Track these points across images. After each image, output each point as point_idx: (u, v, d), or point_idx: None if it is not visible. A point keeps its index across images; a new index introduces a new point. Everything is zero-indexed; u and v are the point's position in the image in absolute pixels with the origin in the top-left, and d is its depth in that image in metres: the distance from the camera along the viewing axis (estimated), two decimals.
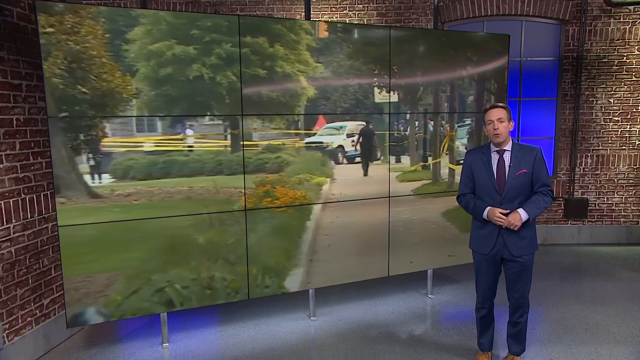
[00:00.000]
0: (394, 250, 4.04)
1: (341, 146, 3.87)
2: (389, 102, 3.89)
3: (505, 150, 2.75)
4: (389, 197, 3.97)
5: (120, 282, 3.11)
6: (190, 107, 3.23)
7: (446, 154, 4.23)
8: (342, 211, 3.85)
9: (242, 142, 3.42)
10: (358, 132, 3.88)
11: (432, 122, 4.15)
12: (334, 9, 5.56)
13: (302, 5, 5.46)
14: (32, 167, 3.15)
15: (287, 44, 3.45)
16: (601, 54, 5.69)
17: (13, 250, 2.99)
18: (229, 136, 3.42)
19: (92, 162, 3.01)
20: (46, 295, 3.30)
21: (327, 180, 3.80)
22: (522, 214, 2.66)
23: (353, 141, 3.89)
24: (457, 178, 4.21)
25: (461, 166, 4.15)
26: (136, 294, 3.16)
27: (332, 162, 3.81)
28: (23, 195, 3.07)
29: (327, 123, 3.76)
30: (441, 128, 4.20)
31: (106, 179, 3.08)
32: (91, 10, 2.87)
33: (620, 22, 5.64)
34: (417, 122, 4.09)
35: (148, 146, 3.18)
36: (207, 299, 3.36)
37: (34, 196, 3.17)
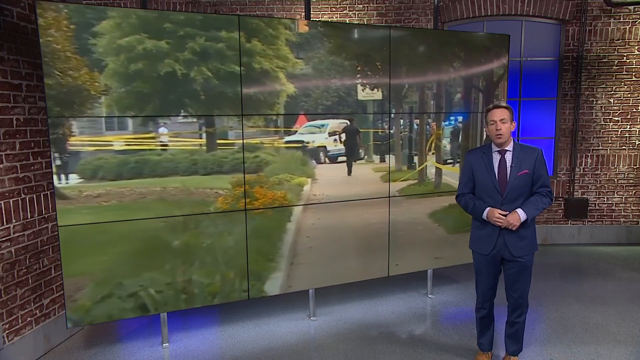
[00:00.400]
0: (380, 253, 3.96)
1: (323, 145, 3.75)
2: (389, 101, 3.84)
3: (506, 150, 2.75)
4: (389, 197, 3.95)
5: (89, 287, 3.00)
6: (162, 104, 3.11)
7: (433, 154, 4.14)
8: (325, 212, 3.74)
9: (242, 142, 3.38)
10: (340, 130, 3.77)
11: (417, 121, 4.06)
12: (334, 9, 5.56)
13: (302, 5, 5.46)
14: (32, 167, 3.15)
15: (265, 40, 3.33)
16: (601, 54, 5.69)
17: (13, 250, 2.99)
18: (204, 134, 3.31)
19: (58, 162, 2.90)
20: (46, 295, 3.30)
21: (308, 181, 3.67)
22: (520, 214, 2.66)
23: (335, 140, 3.78)
24: (445, 178, 4.17)
25: (449, 166, 3.90)
26: (107, 299, 3.06)
27: (314, 161, 3.69)
28: (23, 195, 3.07)
29: (308, 121, 3.64)
30: (427, 127, 4.09)
31: (74, 179, 2.95)
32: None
33: (620, 22, 5.64)
34: (402, 121, 3.98)
35: (118, 145, 3.06)
36: (183, 303, 3.28)
37: (34, 196, 3.17)
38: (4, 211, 2.91)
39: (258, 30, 3.31)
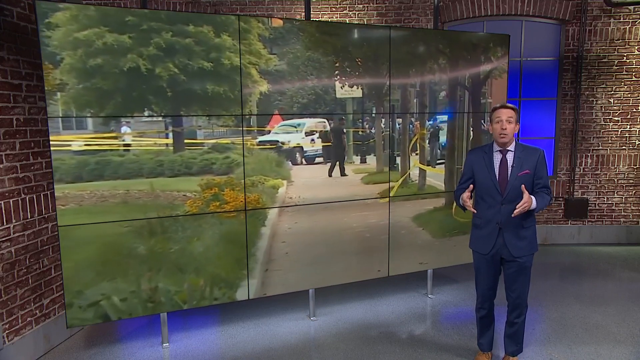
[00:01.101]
0: (362, 257, 3.83)
1: (299, 145, 3.57)
2: (389, 99, 3.75)
3: (508, 150, 2.74)
4: (389, 196, 3.91)
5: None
6: (125, 102, 2.94)
7: (416, 154, 3.99)
8: (302, 216, 3.57)
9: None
10: (318, 129, 3.60)
11: (399, 120, 3.90)
12: (334, 9, 5.56)
13: (302, 5, 5.46)
14: (32, 167, 3.15)
15: (235, 34, 3.17)
16: (601, 54, 5.69)
17: (13, 250, 2.99)
18: (170, 134, 3.14)
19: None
20: (46, 295, 3.30)
21: (284, 183, 3.51)
22: (533, 200, 2.60)
23: (313, 140, 3.61)
24: (429, 180, 4.07)
25: (431, 167, 3.90)
26: (67, 308, 2.95)
27: (289, 162, 3.53)
28: (23, 195, 3.07)
29: (283, 120, 3.47)
30: (410, 125, 3.91)
31: None
32: None
33: (620, 22, 5.64)
34: (383, 120, 3.80)
35: (77, 145, 2.89)
36: (149, 311, 3.17)
37: (34, 196, 3.16)
38: (4, 211, 2.90)
39: (228, 24, 3.16)
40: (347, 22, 5.50)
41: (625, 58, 5.68)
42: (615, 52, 5.68)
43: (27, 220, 3.11)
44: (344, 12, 5.57)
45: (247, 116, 3.32)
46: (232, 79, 3.22)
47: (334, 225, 3.73)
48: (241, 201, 3.35)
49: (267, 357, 3.21)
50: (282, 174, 3.52)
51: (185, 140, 3.20)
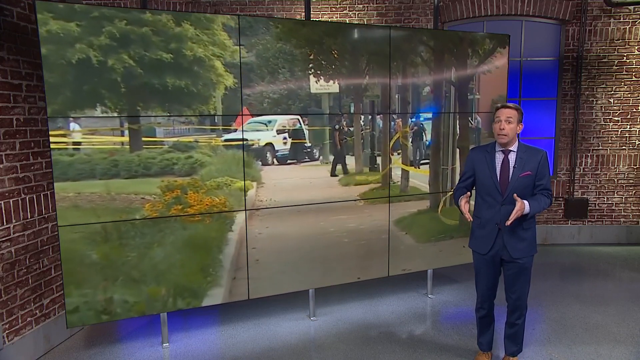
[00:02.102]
0: (339, 264, 3.63)
1: (270, 144, 3.33)
2: (393, 95, 3.56)
3: (510, 150, 2.73)
4: (389, 196, 3.83)
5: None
6: (74, 97, 2.72)
7: (398, 153, 3.75)
8: (274, 220, 3.34)
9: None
10: (291, 127, 3.38)
11: (380, 116, 3.66)
12: (334, 9, 5.56)
13: (302, 5, 5.46)
14: (32, 167, 3.15)
15: (197, 23, 2.94)
16: (601, 54, 5.69)
17: (13, 250, 2.99)
18: (126, 132, 2.90)
19: None
20: (46, 295, 3.30)
21: (253, 185, 3.27)
22: (526, 205, 2.60)
23: (285, 139, 3.38)
24: (412, 181, 3.90)
25: (415, 168, 3.81)
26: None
27: (259, 163, 3.29)
28: (23, 195, 3.07)
29: (253, 117, 3.22)
30: (392, 123, 3.65)
31: None
32: None
33: (620, 22, 5.64)
34: (362, 117, 3.56)
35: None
36: (103, 320, 3.02)
37: (34, 196, 3.16)
38: (4, 211, 2.90)
39: (189, 12, 2.98)
40: (347, 22, 5.50)
41: (625, 58, 5.68)
42: (615, 52, 5.68)
43: (27, 220, 3.11)
44: (344, 12, 5.57)
45: (212, 112, 3.08)
46: (195, 72, 2.96)
47: (310, 230, 3.52)
48: (206, 204, 3.12)
49: (267, 357, 3.21)
50: (251, 175, 3.28)
51: (143, 139, 2.96)
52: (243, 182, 3.24)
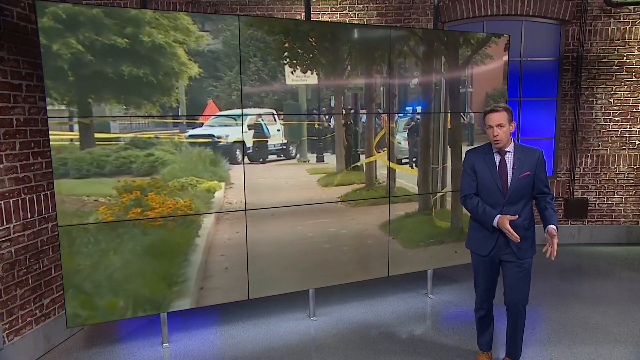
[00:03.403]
0: (319, 272, 3.41)
1: (240, 141, 3.05)
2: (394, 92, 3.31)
3: (507, 151, 2.72)
4: (389, 196, 3.72)
5: None
6: None
7: (384, 151, 3.47)
8: (244, 225, 3.10)
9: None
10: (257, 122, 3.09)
11: (364, 110, 3.38)
12: (334, 9, 5.56)
13: (302, 5, 5.46)
14: (32, 167, 3.15)
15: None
16: (601, 54, 5.69)
17: (13, 250, 2.99)
18: (76, 126, 2.65)
19: None
20: (46, 295, 3.30)
21: (221, 186, 3.01)
22: (555, 229, 2.57)
23: (257, 133, 3.11)
24: (399, 181, 3.65)
25: (404, 166, 3.58)
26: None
27: (227, 161, 3.02)
28: (23, 195, 3.07)
29: (220, 110, 2.96)
30: (377, 119, 3.36)
31: None
32: None
33: (620, 22, 5.64)
34: (344, 111, 3.28)
35: None
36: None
37: (34, 196, 3.16)
38: (4, 211, 2.90)
39: None
40: (347, 22, 5.50)
41: (625, 58, 5.68)
42: (615, 52, 5.68)
43: (27, 220, 3.11)
44: (344, 12, 5.57)
45: (175, 105, 2.81)
46: (155, 60, 2.67)
47: (285, 235, 3.26)
48: (169, 207, 2.86)
49: (267, 357, 3.21)
50: (219, 174, 3.01)
51: (96, 134, 2.69)
52: (211, 182, 3.01)
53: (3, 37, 2.91)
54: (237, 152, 3.06)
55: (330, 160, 3.35)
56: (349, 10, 5.57)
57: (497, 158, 2.74)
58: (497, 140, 2.65)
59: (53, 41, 2.50)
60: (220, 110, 2.98)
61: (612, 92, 5.74)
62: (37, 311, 3.21)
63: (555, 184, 5.89)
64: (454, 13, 5.56)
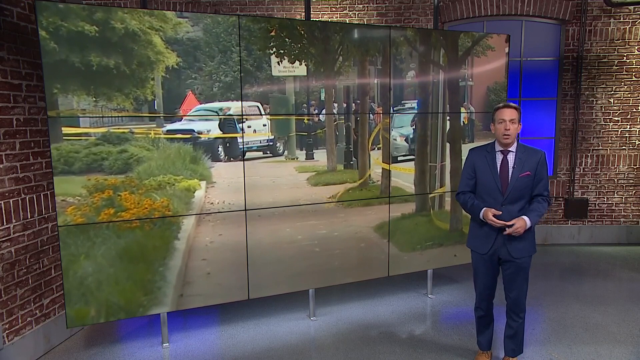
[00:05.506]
0: (311, 276, 3.27)
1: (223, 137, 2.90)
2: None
3: (509, 151, 2.73)
4: (389, 196, 3.66)
5: None
6: None
7: (378, 149, 3.31)
8: (228, 227, 2.90)
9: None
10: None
11: (358, 102, 3.20)
12: (334, 9, 5.56)
13: (302, 5, 5.46)
14: (32, 167, 3.15)
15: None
16: (601, 54, 5.69)
17: (13, 250, 2.99)
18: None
19: None
20: (46, 295, 3.30)
21: (202, 185, 2.83)
22: (527, 221, 2.64)
23: (242, 130, 2.92)
24: (394, 180, 3.56)
25: (399, 165, 3.53)
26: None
27: (209, 158, 2.83)
28: (23, 195, 3.07)
29: (201, 103, 2.77)
30: (371, 114, 3.20)
31: None
32: None
33: (620, 22, 5.64)
34: (335, 105, 3.09)
35: None
36: None
37: (34, 196, 3.16)
38: (4, 211, 2.90)
39: None
40: (347, 22, 5.50)
41: (625, 58, 5.68)
42: (615, 52, 5.68)
43: (27, 220, 3.11)
44: (344, 12, 5.57)
45: (150, 97, 2.61)
46: (128, 49, 2.46)
47: (271, 237, 3.08)
48: (145, 208, 2.66)
49: (267, 357, 3.21)
50: (200, 172, 2.83)
51: (63, 129, 2.52)
52: (191, 181, 2.78)
53: (3, 37, 2.91)
54: (220, 149, 2.86)
55: (320, 157, 3.16)
56: (349, 10, 5.57)
57: (499, 157, 2.75)
58: (508, 135, 2.65)
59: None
60: (201, 103, 2.77)
61: (612, 92, 5.75)
62: (37, 311, 3.21)
63: (555, 184, 5.89)
64: (454, 13, 5.56)
